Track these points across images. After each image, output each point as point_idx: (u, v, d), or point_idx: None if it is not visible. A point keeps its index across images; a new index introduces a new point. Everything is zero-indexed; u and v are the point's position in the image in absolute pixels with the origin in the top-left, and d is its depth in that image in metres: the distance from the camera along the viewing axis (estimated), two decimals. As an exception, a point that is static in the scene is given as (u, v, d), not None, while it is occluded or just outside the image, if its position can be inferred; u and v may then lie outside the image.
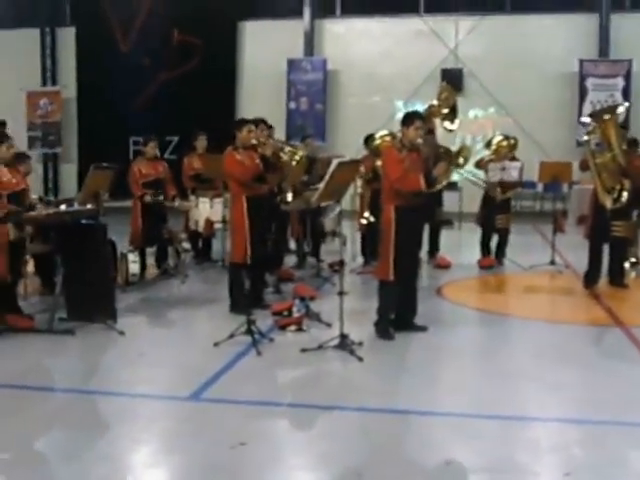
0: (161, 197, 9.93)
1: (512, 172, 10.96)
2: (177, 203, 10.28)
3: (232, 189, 8.15)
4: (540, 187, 16.93)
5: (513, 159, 11.26)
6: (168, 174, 10.33)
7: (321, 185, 6.72)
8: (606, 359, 6.80)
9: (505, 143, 11.43)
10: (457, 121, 9.00)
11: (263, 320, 7.45)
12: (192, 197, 10.91)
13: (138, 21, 20.11)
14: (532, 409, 5.45)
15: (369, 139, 10.76)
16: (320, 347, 6.63)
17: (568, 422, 5.19)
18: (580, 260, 9.98)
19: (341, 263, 7.16)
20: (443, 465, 4.44)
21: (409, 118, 7.16)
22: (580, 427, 5.11)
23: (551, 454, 4.66)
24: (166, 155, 16.62)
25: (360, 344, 6.74)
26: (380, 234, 7.23)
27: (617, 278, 9.75)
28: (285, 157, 8.45)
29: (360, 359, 6.38)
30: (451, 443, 4.78)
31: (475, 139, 17.73)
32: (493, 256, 11.41)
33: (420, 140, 7.09)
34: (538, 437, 4.94)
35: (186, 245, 11.23)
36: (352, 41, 18.97)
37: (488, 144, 11.77)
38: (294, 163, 8.56)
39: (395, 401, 5.59)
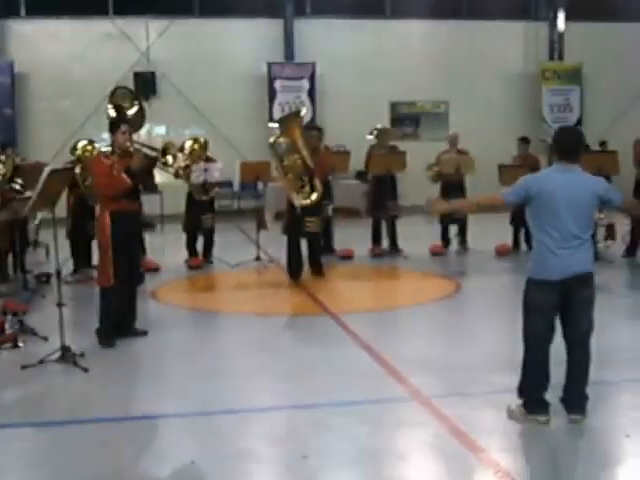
0: None
1: (214, 173, 11.27)
2: None
3: None
4: (237, 186, 17.47)
5: (209, 159, 11.52)
6: None
7: (33, 194, 6.58)
8: (320, 345, 7.24)
9: (197, 145, 11.61)
10: (146, 125, 9.01)
11: (-27, 342, 7.10)
12: None
13: None
14: (260, 400, 5.74)
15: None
16: (41, 362, 6.47)
17: (297, 408, 5.58)
18: (283, 255, 10.56)
19: (53, 274, 7.05)
20: (189, 464, 4.60)
21: (114, 125, 7.33)
22: (308, 412, 5.51)
23: (285, 440, 5.03)
24: None
25: (82, 355, 6.68)
26: (97, 241, 7.21)
27: (316, 269, 10.51)
28: None
29: (85, 370, 6.35)
30: (191, 442, 4.99)
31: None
32: (201, 257, 11.69)
33: (128, 144, 7.23)
34: (270, 426, 5.28)
35: None
36: (40, 43, 18.23)
37: (181, 149, 11.86)
38: None
39: (127, 408, 5.65)
